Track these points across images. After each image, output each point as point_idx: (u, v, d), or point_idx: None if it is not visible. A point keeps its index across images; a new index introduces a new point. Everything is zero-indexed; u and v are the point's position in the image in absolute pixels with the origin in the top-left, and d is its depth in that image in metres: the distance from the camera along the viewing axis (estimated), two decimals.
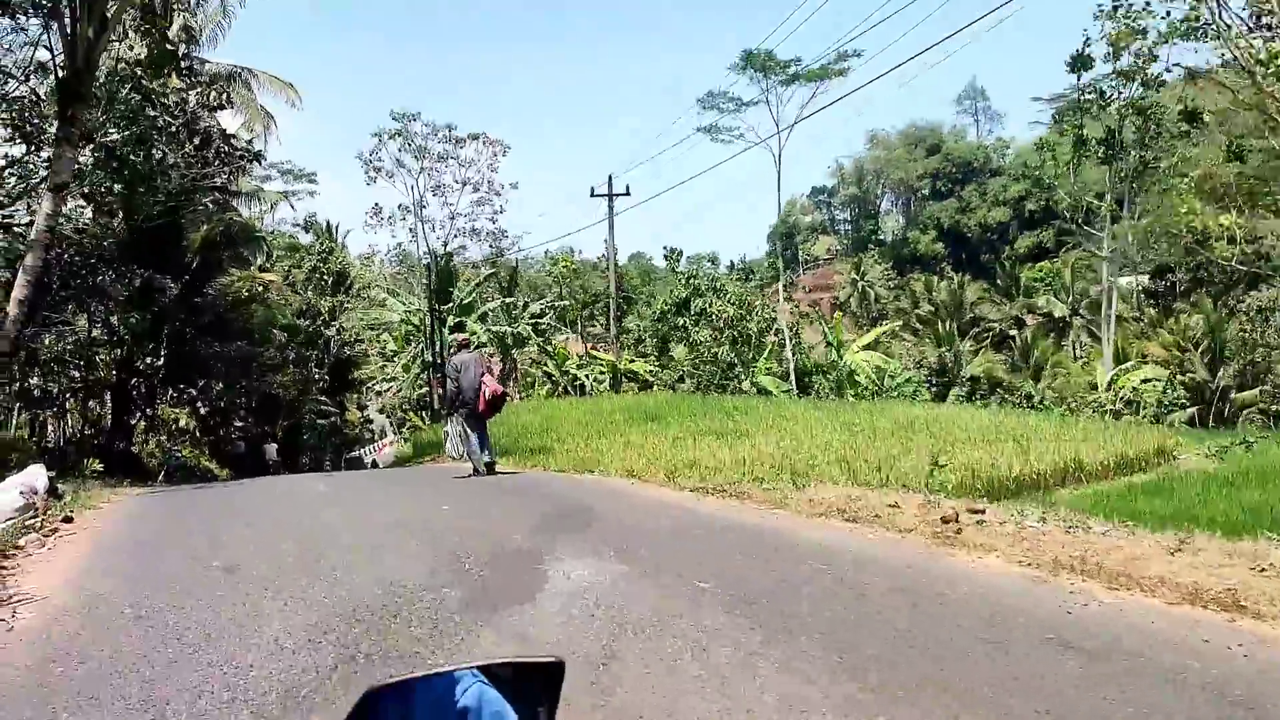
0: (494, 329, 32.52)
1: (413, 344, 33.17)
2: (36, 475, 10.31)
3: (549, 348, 35.30)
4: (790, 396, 29.78)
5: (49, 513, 9.57)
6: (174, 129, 24.39)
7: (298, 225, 57.84)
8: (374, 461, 65.94)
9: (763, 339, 41.65)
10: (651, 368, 34.78)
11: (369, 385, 58.69)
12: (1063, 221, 68.39)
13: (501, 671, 1.38)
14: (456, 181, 38.45)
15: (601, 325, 37.28)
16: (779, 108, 36.78)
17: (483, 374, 14.56)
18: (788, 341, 37.91)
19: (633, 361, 33.89)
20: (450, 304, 30.65)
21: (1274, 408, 49.74)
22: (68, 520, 9.44)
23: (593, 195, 34.22)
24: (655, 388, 34.07)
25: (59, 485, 12.66)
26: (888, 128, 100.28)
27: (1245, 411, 50.16)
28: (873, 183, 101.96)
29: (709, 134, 36.91)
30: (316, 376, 43.83)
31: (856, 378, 26.85)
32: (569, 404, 29.53)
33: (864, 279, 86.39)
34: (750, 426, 20.97)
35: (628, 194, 33.90)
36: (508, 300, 34.42)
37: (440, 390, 29.81)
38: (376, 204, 40.77)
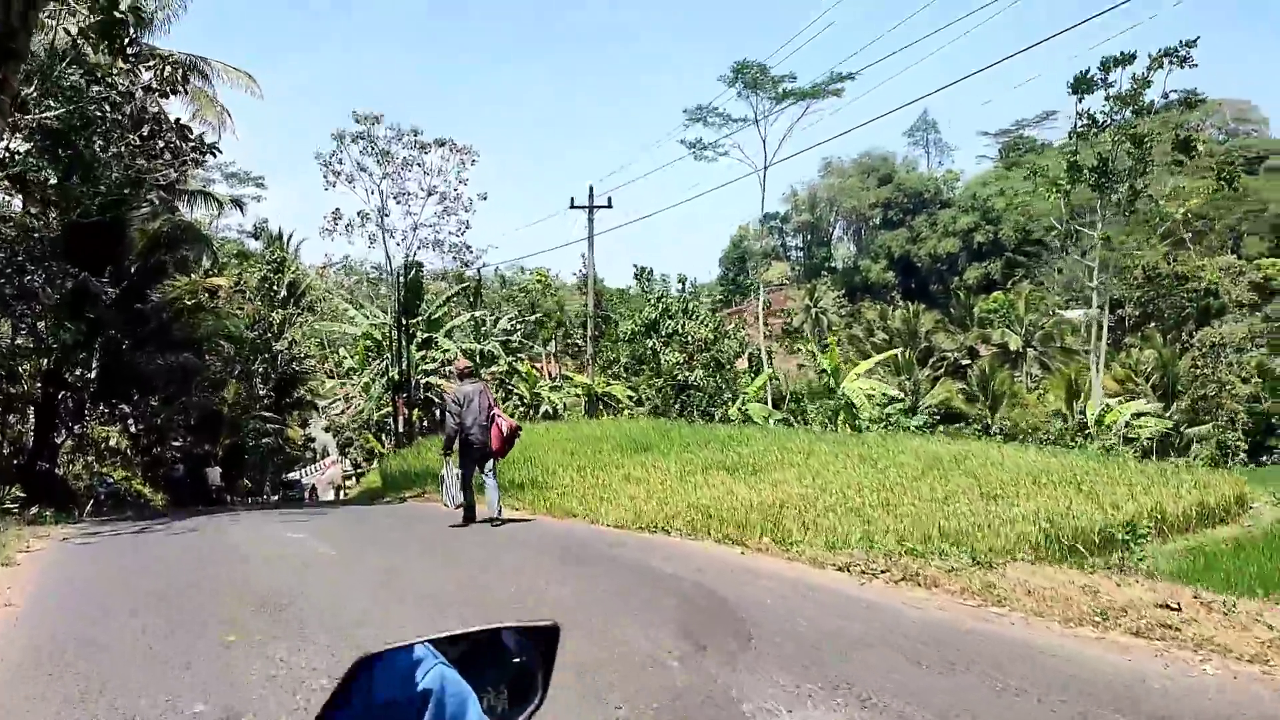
0: (460, 346, 29.99)
1: (375, 361, 30.50)
2: None
3: (519, 367, 32.88)
4: (778, 425, 27.81)
5: None
6: (119, 114, 21.60)
7: (244, 232, 54.48)
8: (313, 486, 62.18)
9: (733, 364, 39.78)
10: (629, 392, 32.56)
11: (312, 403, 55.40)
12: (1044, 249, 68.29)
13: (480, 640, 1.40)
14: (421, 189, 35.98)
15: (577, 346, 35.06)
16: (767, 126, 35.10)
17: (492, 408, 12.36)
18: (764, 366, 36.14)
19: (609, 385, 31.70)
20: (418, 318, 28.12)
21: (1232, 441, 49.66)
22: None
23: (572, 206, 32.08)
24: (631, 413, 31.88)
25: None
26: (841, 156, 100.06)
27: (1195, 446, 49.89)
28: (826, 210, 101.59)
29: (693, 150, 35.12)
30: (261, 392, 40.69)
31: (854, 407, 25.11)
32: (545, 430, 27.14)
33: (817, 305, 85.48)
34: (755, 459, 18.88)
35: (609, 206, 31.84)
36: (475, 315, 31.90)
37: (423, 421, 27.16)
38: (337, 209, 37.75)
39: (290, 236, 48.01)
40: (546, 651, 1.42)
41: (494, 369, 31.85)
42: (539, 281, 39.69)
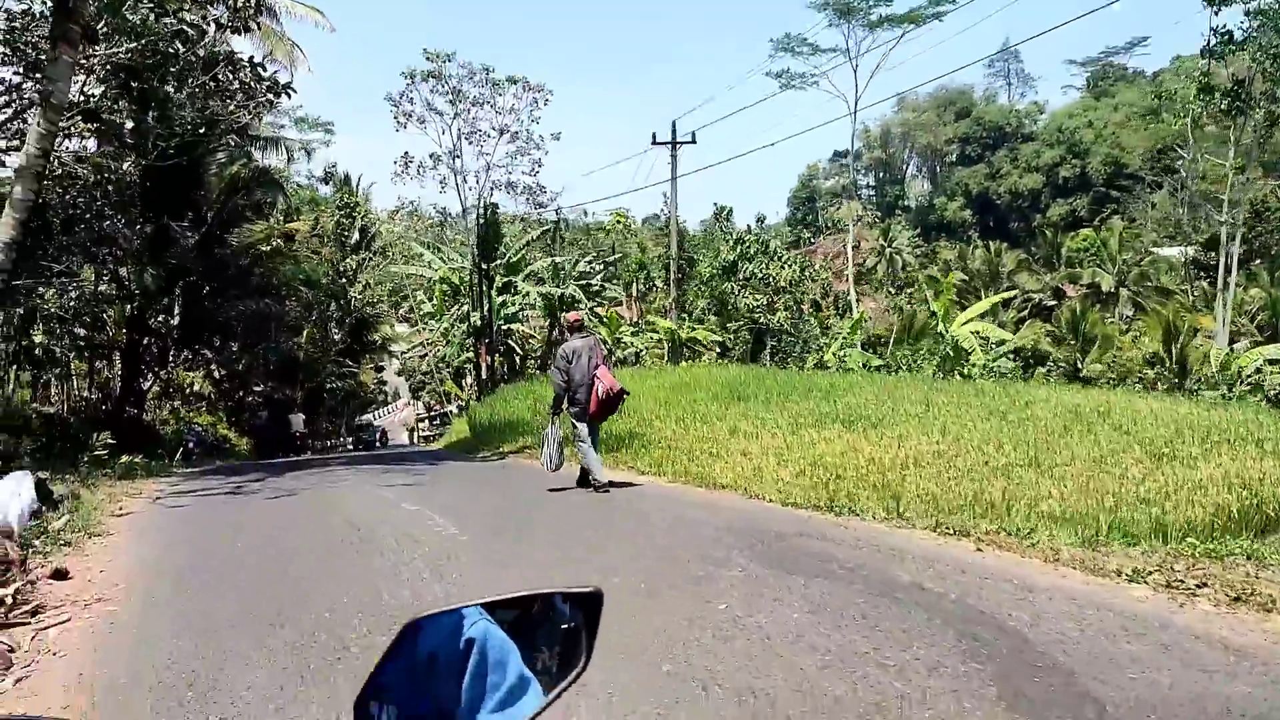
0: (540, 290, 28.93)
1: (452, 306, 29.59)
2: (12, 494, 6.79)
3: (599, 312, 31.72)
4: (877, 372, 26.23)
5: (27, 561, 6.07)
6: (191, 52, 20.67)
7: (314, 178, 53.93)
8: (383, 430, 62.28)
9: (816, 306, 38.12)
10: (715, 337, 31.23)
11: (384, 347, 55.25)
12: (1137, 183, 64.60)
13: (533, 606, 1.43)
14: (494, 129, 34.65)
15: (658, 289, 33.77)
16: (858, 56, 32.80)
17: (597, 365, 10.95)
18: (852, 309, 34.47)
19: (693, 330, 30.37)
20: (496, 261, 27.08)
21: None
22: (58, 576, 5.94)
23: (654, 143, 30.53)
24: (714, 359, 30.57)
25: (53, 490, 9.19)
26: (917, 90, 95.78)
27: None
28: (899, 147, 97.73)
29: (780, 80, 33.14)
30: (336, 337, 40.38)
31: (966, 353, 23.43)
32: (632, 376, 26.00)
33: (891, 245, 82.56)
34: (868, 411, 17.45)
35: (693, 142, 30.22)
36: (555, 259, 30.77)
37: (504, 367, 26.25)
38: (406, 152, 36.73)
39: (359, 180, 47.27)
40: (590, 616, 1.43)
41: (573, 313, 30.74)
42: (618, 221, 38.19)
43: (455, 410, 33.54)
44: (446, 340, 28.34)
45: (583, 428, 10.86)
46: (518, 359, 30.11)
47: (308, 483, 11.91)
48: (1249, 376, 24.63)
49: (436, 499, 9.30)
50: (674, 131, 29.69)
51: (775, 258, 36.74)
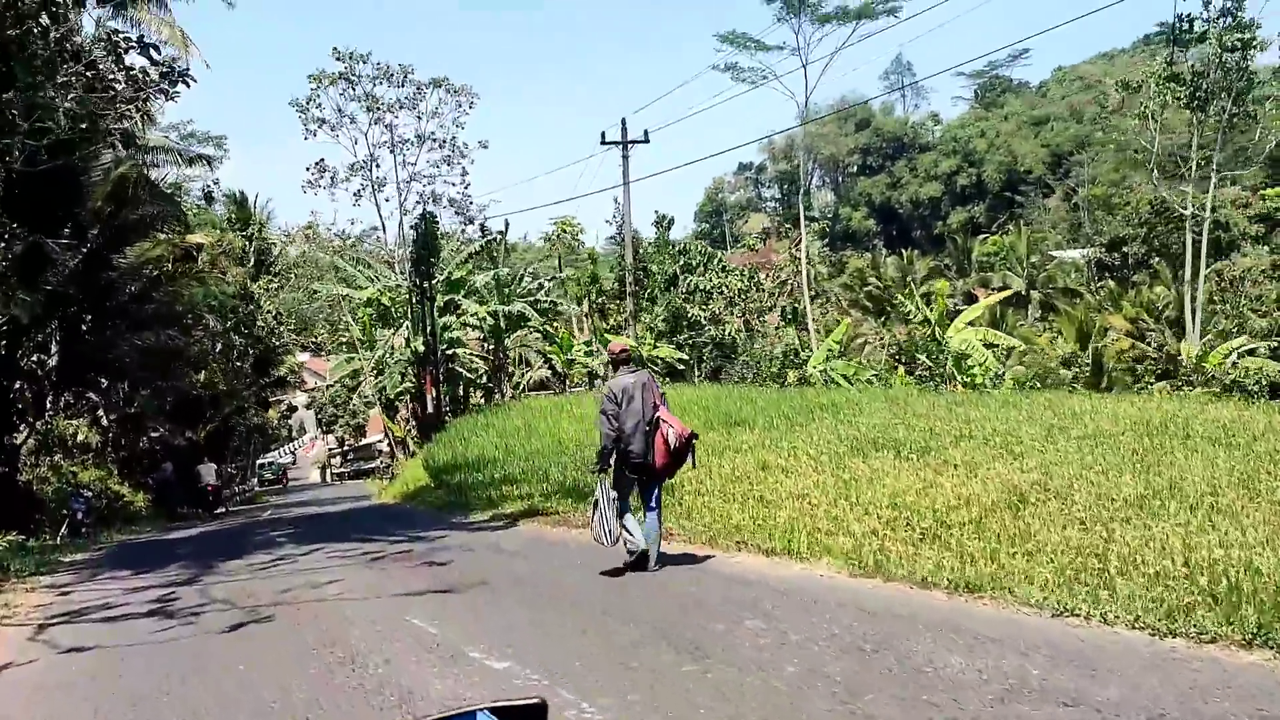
0: (486, 309, 25.27)
1: (384, 330, 25.55)
2: None
3: (550, 329, 28.25)
4: (869, 385, 23.69)
5: None
6: (62, 29, 16.51)
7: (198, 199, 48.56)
8: (283, 472, 56.58)
9: (762, 318, 35.71)
10: (682, 355, 28.20)
11: (290, 381, 50.31)
12: (1031, 190, 64.66)
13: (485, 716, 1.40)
14: (416, 136, 31.01)
15: (612, 304, 30.61)
16: (808, 52, 30.65)
17: (656, 406, 8.17)
18: (810, 319, 32.17)
19: (655, 346, 27.25)
20: (434, 279, 23.34)
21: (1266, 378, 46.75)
22: None
23: (604, 143, 27.37)
24: (681, 378, 27.62)
25: None
26: (817, 102, 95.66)
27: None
28: (804, 158, 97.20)
29: (729, 73, 30.68)
30: (242, 369, 35.66)
31: (965, 360, 21.22)
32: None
33: (803, 256, 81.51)
34: (902, 433, 14.66)
35: (646, 141, 27.22)
36: (498, 273, 27.10)
37: (446, 398, 22.47)
38: (321, 159, 32.81)
39: (256, 200, 42.43)
40: None
41: (521, 333, 27.11)
42: (564, 230, 34.83)
43: (386, 449, 29.39)
44: (379, 370, 24.44)
45: (623, 491, 8.13)
46: (463, 388, 26.36)
47: (267, 583, 8.21)
48: (1219, 370, 22.92)
49: (508, 632, 5.82)
50: (624, 130, 26.64)
51: (722, 269, 34.12)
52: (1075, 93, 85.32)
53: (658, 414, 8.12)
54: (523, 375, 28.36)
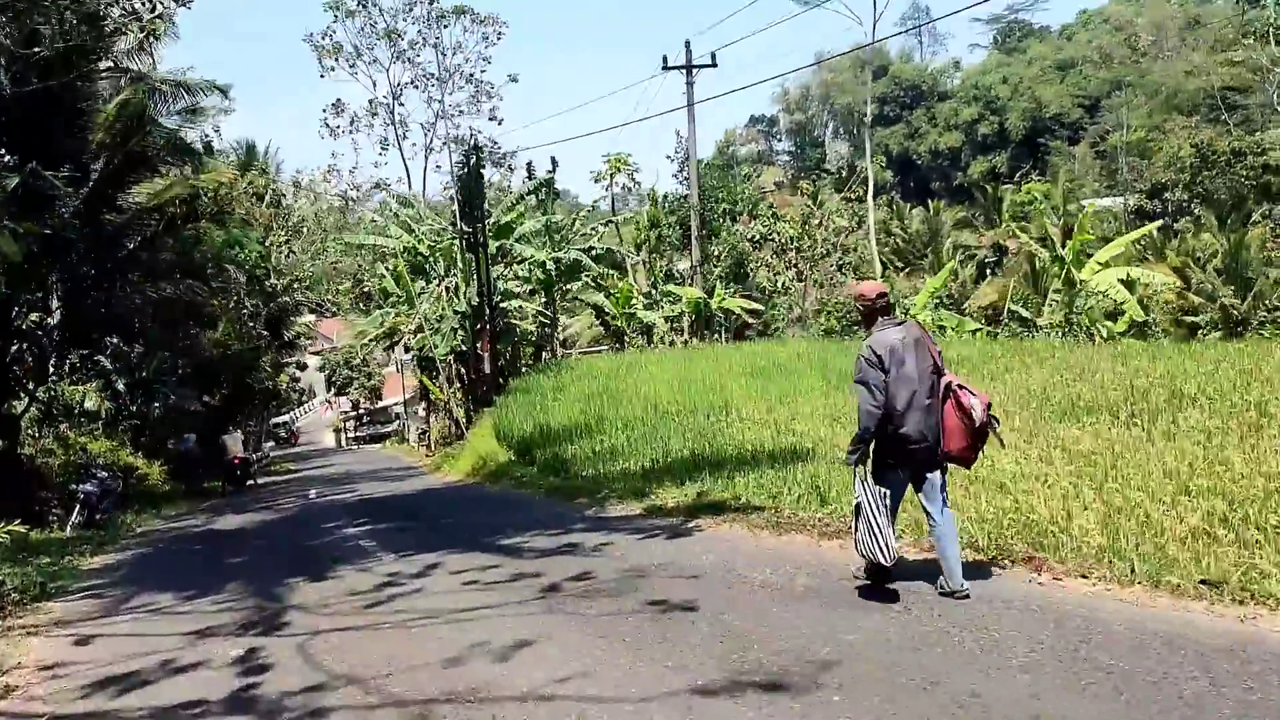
0: (545, 256, 22.13)
1: (423, 283, 22.33)
2: None
3: (604, 282, 25.12)
4: (983, 337, 20.82)
5: None
6: None
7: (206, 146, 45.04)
8: (290, 430, 53.32)
9: (815, 269, 32.67)
10: (756, 307, 25.18)
11: (301, 342, 47.31)
12: (1056, 137, 61.02)
13: None
14: (443, 71, 27.75)
15: (675, 250, 27.49)
16: None
17: (938, 370, 5.84)
18: (878, 270, 29.21)
19: (723, 299, 24.17)
20: (484, 222, 20.12)
21: None
22: None
23: (665, 68, 24.17)
24: (753, 334, 24.84)
25: None
26: (831, 50, 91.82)
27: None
28: (819, 109, 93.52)
29: None
30: (255, 331, 32.59)
31: (1119, 305, 18.35)
32: (673, 360, 19.71)
33: (821, 209, 78.11)
34: (1088, 392, 11.78)
35: (713, 65, 24.06)
36: (549, 218, 23.83)
37: (506, 357, 19.44)
38: (338, 99, 29.88)
39: (268, 148, 38.93)
40: None
41: (574, 284, 23.97)
42: (618, 167, 31.54)
43: (419, 412, 26.39)
44: (425, 327, 21.34)
45: (894, 488, 5.87)
46: (513, 346, 23.30)
47: (404, 643, 5.28)
48: None
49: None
50: (689, 52, 23.43)
51: (773, 215, 31.07)
52: (1102, 35, 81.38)
53: (945, 379, 5.71)
54: (574, 331, 25.35)
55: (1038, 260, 21.77)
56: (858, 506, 5.86)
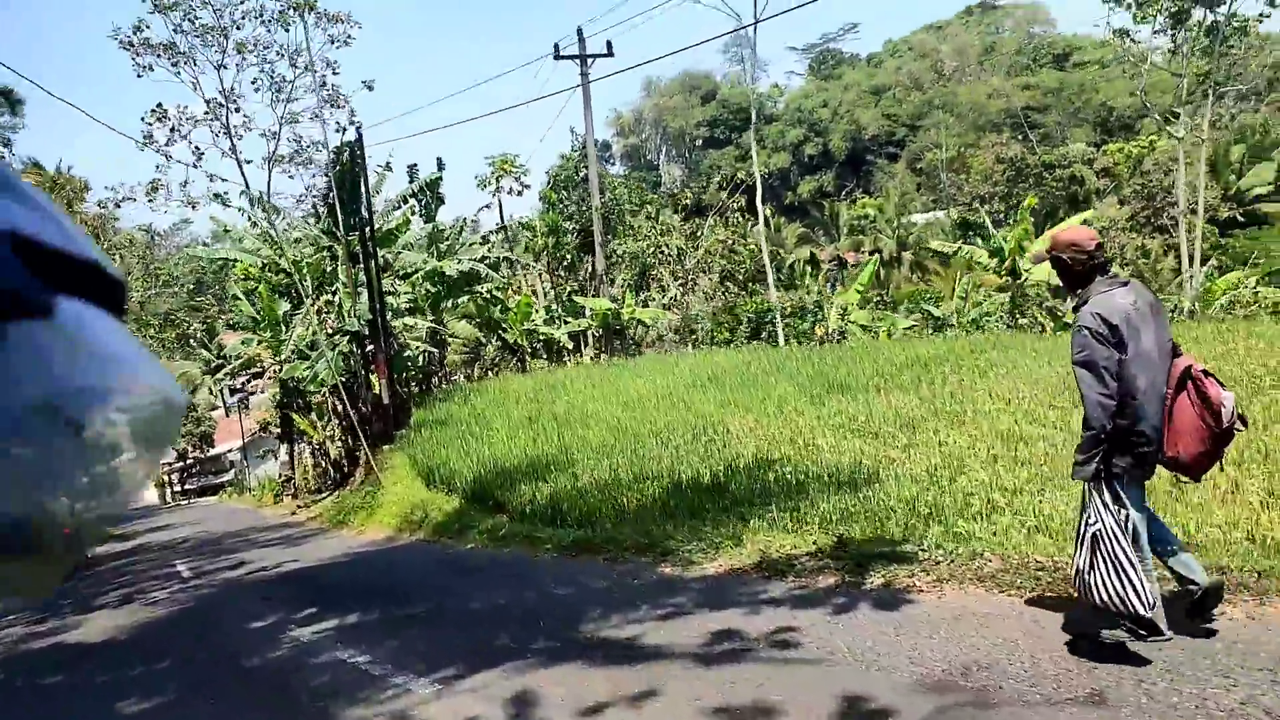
0: (438, 268, 18.62)
1: (298, 307, 18.16)
2: None
3: (500, 295, 21.85)
4: (918, 335, 19.57)
5: None
6: None
7: None
8: None
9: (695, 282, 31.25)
10: (669, 317, 22.68)
11: None
12: (880, 158, 63.15)
13: None
14: (278, 77, 24.16)
15: (574, 259, 24.55)
16: None
17: (1175, 347, 4.33)
18: (770, 279, 28.08)
19: (635, 310, 21.49)
20: (369, 230, 16.54)
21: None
22: None
23: (557, 57, 21.53)
24: (668, 344, 22.44)
25: None
26: (661, 75, 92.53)
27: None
28: (651, 133, 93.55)
29: None
30: None
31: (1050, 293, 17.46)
32: (601, 377, 17.14)
33: (706, 220, 77.69)
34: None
35: (609, 54, 21.67)
36: (434, 225, 20.30)
37: (404, 387, 16.14)
38: (159, 104, 25.61)
39: (59, 166, 33.04)
40: None
41: (471, 295, 20.41)
42: (505, 170, 28.11)
43: (291, 460, 22.23)
44: (298, 354, 17.31)
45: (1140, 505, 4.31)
46: (412, 372, 19.60)
47: None
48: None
49: None
50: (581, 40, 20.97)
51: (662, 228, 29.27)
52: (910, 62, 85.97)
53: (1183, 362, 4.32)
54: (461, 351, 22.02)
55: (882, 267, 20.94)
56: (1093, 537, 4.10)
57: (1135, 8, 24.00)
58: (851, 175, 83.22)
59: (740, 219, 36.21)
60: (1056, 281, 18.28)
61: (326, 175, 18.08)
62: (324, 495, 19.51)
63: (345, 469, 19.24)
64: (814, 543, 6.34)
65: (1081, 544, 4.25)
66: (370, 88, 26.09)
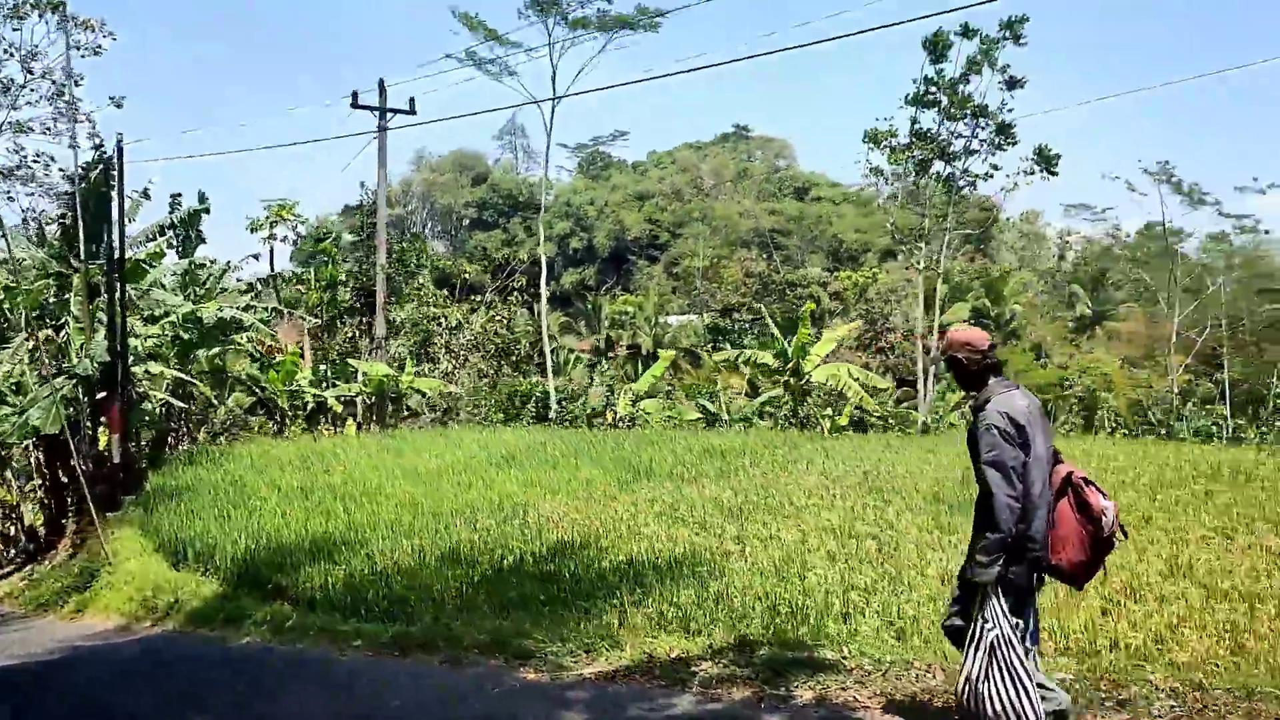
0: (163, 304, 15.76)
1: (1, 336, 14.57)
2: None
3: (260, 349, 19.01)
4: (704, 428, 19.69)
5: None
6: None
7: None
8: None
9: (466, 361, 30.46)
10: (450, 388, 20.86)
11: None
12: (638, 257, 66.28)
13: None
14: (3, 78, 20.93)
15: (345, 315, 22.10)
16: (559, 56, 26.59)
17: (1056, 454, 4.39)
18: (549, 361, 27.88)
19: (413, 378, 19.67)
20: (117, 257, 13.74)
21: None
22: None
23: (355, 106, 19.92)
24: (442, 418, 20.70)
25: None
26: (431, 150, 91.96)
27: None
28: (419, 205, 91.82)
29: (474, 64, 25.44)
30: None
31: (841, 397, 18.04)
32: (380, 449, 15.70)
33: (482, 299, 75.59)
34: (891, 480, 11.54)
35: (412, 111, 20.41)
36: (193, 262, 17.33)
37: (140, 439, 13.66)
38: None
39: None
40: None
41: (225, 346, 17.60)
42: (280, 216, 25.00)
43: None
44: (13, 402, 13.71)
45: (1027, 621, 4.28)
46: (154, 427, 16.35)
47: None
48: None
49: None
50: (382, 93, 19.69)
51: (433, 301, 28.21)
52: (671, 173, 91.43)
53: (1064, 468, 4.33)
54: (211, 411, 19.07)
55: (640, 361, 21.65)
56: (991, 645, 4.05)
57: (890, 152, 26.75)
58: (613, 272, 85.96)
59: (515, 300, 35.86)
60: (836, 385, 19.38)
61: (67, 194, 15.30)
62: (7, 570, 15.99)
63: (41, 540, 15.90)
64: (708, 645, 5.65)
65: (976, 650, 4.11)
66: (119, 105, 22.99)
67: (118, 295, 13.68)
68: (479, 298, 32.39)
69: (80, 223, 13.92)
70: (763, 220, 77.93)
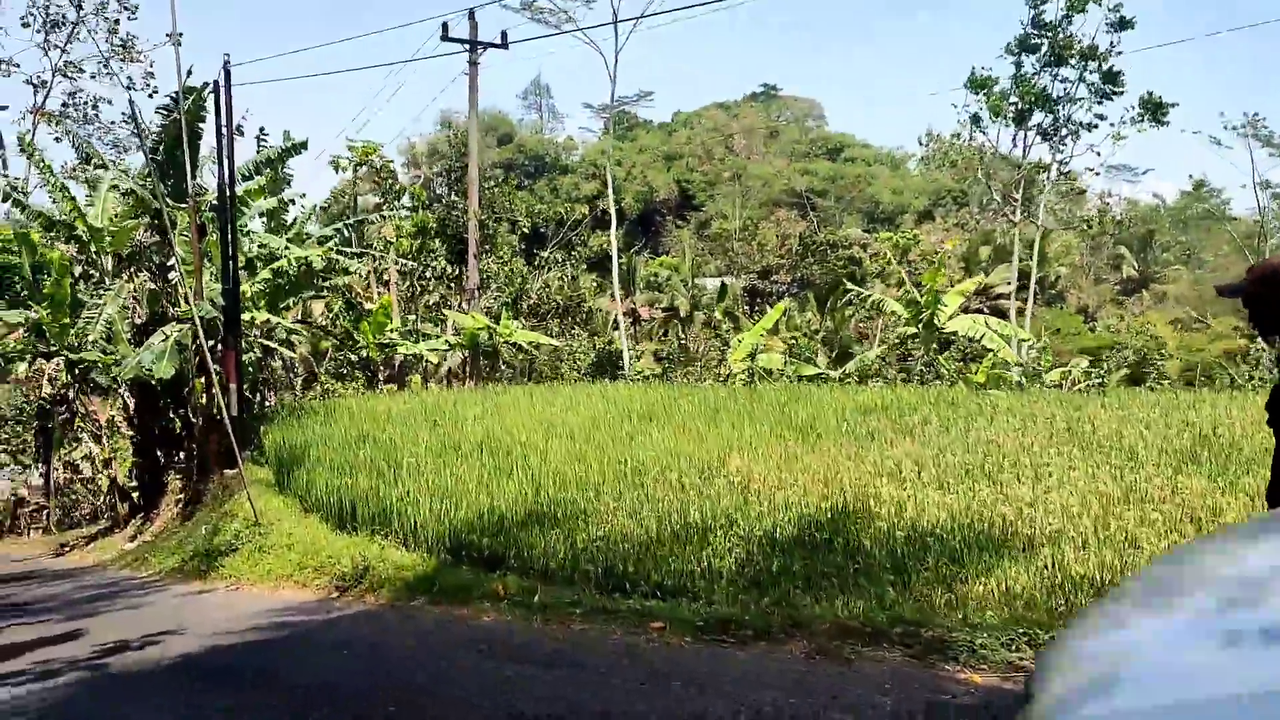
0: (267, 247, 14.51)
1: (90, 286, 13.15)
2: None
3: (353, 298, 17.72)
4: (833, 384, 18.25)
5: None
6: None
7: None
8: None
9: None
10: (553, 342, 19.62)
11: None
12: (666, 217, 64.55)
13: None
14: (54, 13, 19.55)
15: (443, 265, 20.73)
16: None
17: None
18: (621, 320, 26.44)
19: (512, 331, 18.34)
20: (229, 190, 12.36)
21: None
22: None
23: (445, 38, 18.43)
24: (541, 373, 19.44)
25: None
26: (459, 112, 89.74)
27: None
28: (444, 168, 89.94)
29: (526, 12, 23.92)
30: None
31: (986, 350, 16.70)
32: (504, 403, 14.37)
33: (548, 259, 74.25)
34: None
35: (504, 45, 18.93)
36: (281, 198, 15.86)
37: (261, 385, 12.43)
38: None
39: None
40: None
41: (315, 293, 16.32)
42: (365, 157, 23.56)
43: (46, 486, 16.87)
44: (94, 343, 12.33)
45: None
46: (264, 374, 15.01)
47: None
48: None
49: None
50: (473, 24, 18.15)
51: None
52: (702, 135, 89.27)
53: None
54: (305, 363, 17.76)
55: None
56: None
57: (988, 98, 25.08)
58: (643, 234, 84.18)
59: (579, 255, 34.46)
60: (972, 334, 17.94)
61: (160, 128, 13.83)
62: (102, 528, 14.80)
63: (140, 499, 14.67)
64: None
65: None
66: (178, 43, 21.43)
67: (229, 235, 12.27)
68: (543, 254, 31.01)
69: (187, 153, 12.49)
70: (796, 181, 76.01)
